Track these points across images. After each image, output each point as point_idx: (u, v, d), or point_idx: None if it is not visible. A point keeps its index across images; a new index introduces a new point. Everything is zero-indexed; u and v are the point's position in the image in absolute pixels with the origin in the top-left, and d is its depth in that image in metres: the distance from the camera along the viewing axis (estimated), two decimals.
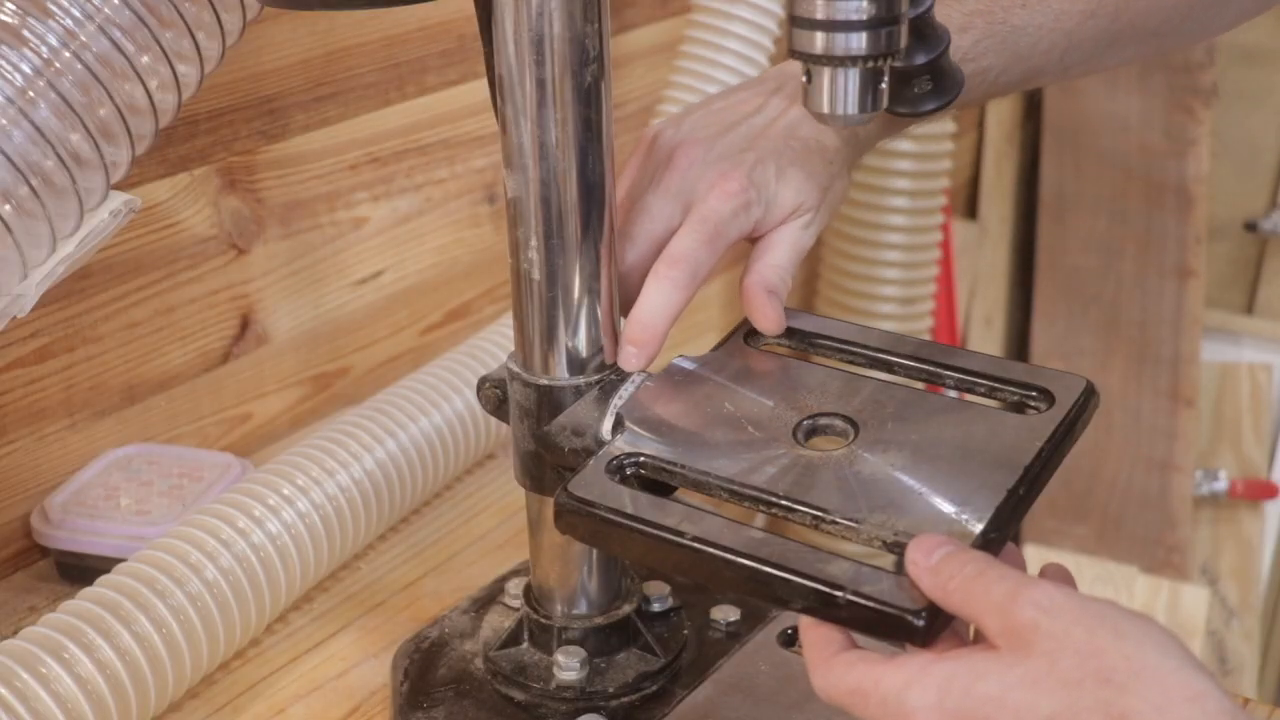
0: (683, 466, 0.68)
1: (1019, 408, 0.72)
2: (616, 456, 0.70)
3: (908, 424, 0.70)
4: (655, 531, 0.64)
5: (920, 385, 0.75)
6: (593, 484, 0.68)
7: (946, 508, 0.63)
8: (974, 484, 0.65)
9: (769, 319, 0.76)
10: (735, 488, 0.67)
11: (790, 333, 0.78)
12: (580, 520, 0.67)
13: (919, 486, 0.65)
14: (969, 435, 0.68)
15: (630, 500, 0.67)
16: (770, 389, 0.73)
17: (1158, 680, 0.52)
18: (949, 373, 0.74)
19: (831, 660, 0.59)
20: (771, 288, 0.77)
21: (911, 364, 0.75)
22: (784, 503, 0.65)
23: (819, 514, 0.64)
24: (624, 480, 0.69)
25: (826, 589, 0.59)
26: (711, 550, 0.63)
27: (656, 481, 0.69)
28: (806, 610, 0.61)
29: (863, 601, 0.59)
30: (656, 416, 0.72)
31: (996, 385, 0.73)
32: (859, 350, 0.76)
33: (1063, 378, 0.72)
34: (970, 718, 0.54)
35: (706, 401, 0.73)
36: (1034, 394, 0.71)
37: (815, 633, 0.61)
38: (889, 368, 0.75)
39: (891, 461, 0.67)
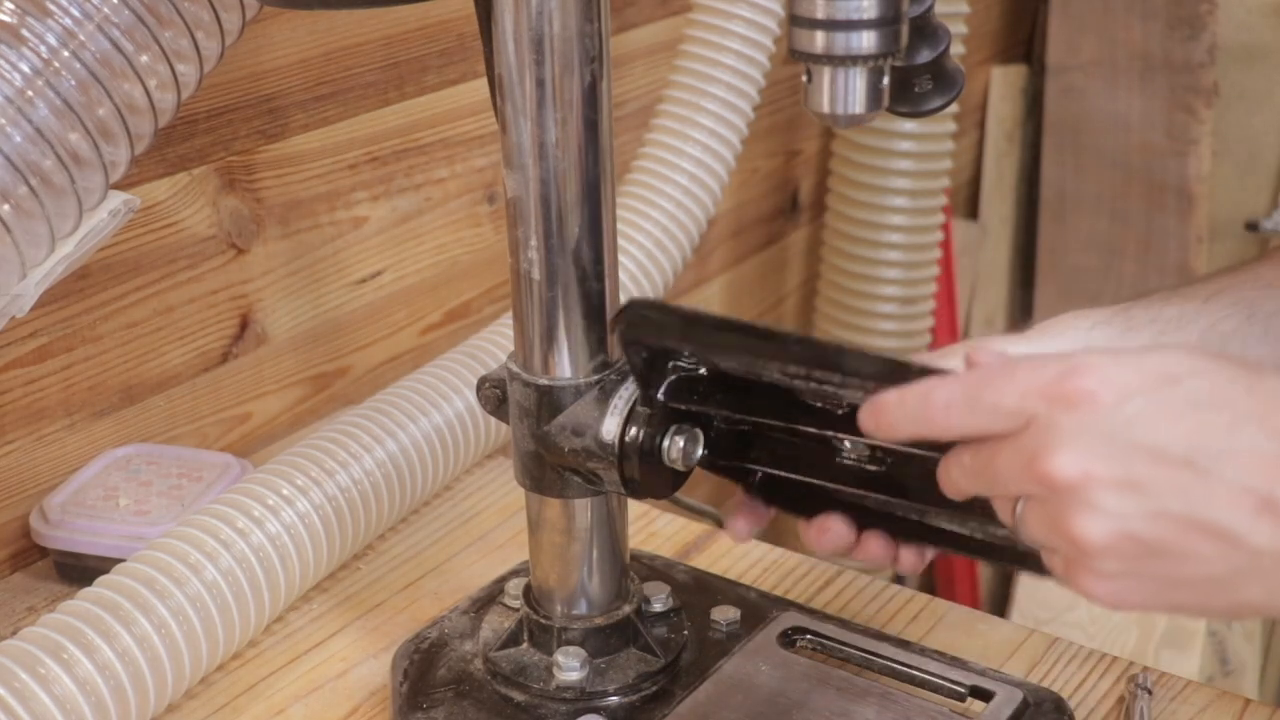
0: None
1: None
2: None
3: None
4: (722, 316, 0.69)
5: None
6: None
7: None
8: None
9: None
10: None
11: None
12: (649, 315, 0.71)
13: None
14: None
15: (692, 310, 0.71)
16: None
17: None
18: None
19: (1012, 362, 0.57)
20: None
21: None
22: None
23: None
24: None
25: (898, 358, 0.62)
26: (783, 330, 0.66)
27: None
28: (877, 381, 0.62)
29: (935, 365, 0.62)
30: None
31: None
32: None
33: None
34: (1185, 401, 0.53)
35: None
36: None
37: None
38: None
39: None
